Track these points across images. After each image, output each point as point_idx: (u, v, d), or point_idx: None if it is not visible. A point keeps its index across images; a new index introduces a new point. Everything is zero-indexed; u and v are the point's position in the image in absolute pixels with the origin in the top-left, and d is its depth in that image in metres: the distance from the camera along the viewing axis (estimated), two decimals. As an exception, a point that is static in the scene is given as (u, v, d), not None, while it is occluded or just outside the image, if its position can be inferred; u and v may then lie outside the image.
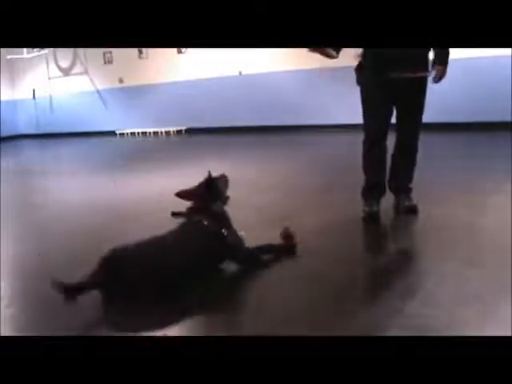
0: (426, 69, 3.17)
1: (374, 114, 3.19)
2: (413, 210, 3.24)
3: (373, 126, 3.22)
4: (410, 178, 3.36)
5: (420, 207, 3.26)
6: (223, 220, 2.56)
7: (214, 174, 2.67)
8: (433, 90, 3.25)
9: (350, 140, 3.13)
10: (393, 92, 3.14)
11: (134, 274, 2.22)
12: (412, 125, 3.27)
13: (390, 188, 3.39)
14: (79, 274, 2.30)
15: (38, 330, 2.03)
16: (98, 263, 2.25)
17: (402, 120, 3.25)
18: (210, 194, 2.60)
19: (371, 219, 3.17)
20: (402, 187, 3.36)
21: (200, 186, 2.64)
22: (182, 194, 2.63)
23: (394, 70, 3.04)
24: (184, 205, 2.66)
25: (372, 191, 3.28)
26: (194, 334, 1.97)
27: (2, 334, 1.99)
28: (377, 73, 3.11)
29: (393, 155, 3.37)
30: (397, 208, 3.34)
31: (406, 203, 3.29)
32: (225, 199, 2.70)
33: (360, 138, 3.27)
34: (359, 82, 3.25)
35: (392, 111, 3.22)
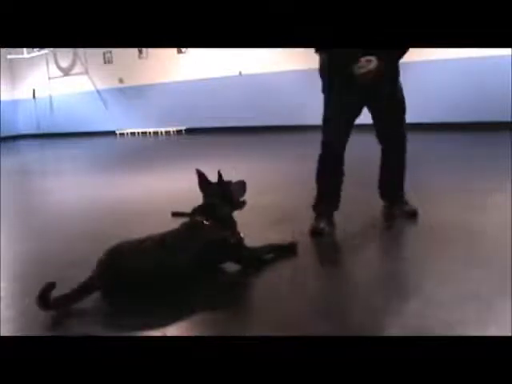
0: (393, 68, 3.01)
1: (339, 125, 3.02)
2: (413, 214, 3.19)
3: (336, 137, 3.05)
4: (402, 184, 3.28)
5: (420, 207, 3.26)
6: (226, 222, 2.55)
7: (228, 178, 2.66)
8: (433, 90, 3.24)
9: (351, 140, 3.12)
10: (363, 98, 2.99)
11: (132, 273, 2.22)
12: (394, 129, 3.16)
13: (381, 196, 3.35)
14: (79, 274, 2.30)
15: (37, 330, 2.03)
16: (96, 264, 2.25)
17: (382, 126, 3.14)
18: (220, 194, 2.60)
19: (316, 235, 2.96)
20: (396, 194, 3.30)
21: (215, 184, 2.65)
22: (202, 179, 2.64)
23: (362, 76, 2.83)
24: (184, 206, 2.66)
25: (324, 205, 3.12)
26: (194, 333, 1.97)
27: (2, 334, 1.99)
28: (345, 79, 2.90)
29: (381, 164, 3.28)
30: (392, 214, 3.28)
31: (406, 208, 3.22)
32: (239, 204, 2.68)
33: (360, 137, 3.26)
34: (325, 89, 3.08)
35: (354, 122, 3.06)
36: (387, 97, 3.02)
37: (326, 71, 3.04)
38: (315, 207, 3.13)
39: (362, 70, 2.77)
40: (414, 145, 3.25)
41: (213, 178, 2.70)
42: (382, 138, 3.20)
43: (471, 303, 1.98)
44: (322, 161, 3.11)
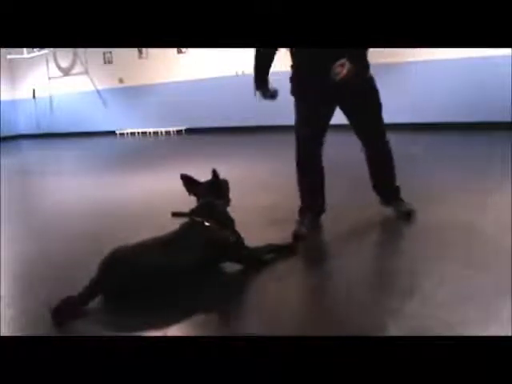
0: (364, 66, 2.95)
1: (312, 125, 3.01)
2: (409, 214, 3.15)
3: (308, 138, 3.03)
4: (392, 180, 3.22)
5: (419, 208, 3.26)
6: (225, 221, 2.56)
7: (228, 177, 2.68)
8: (433, 90, 3.21)
9: (351, 140, 3.12)
10: (334, 98, 2.97)
11: (134, 274, 2.22)
12: (372, 126, 3.09)
13: (377, 194, 3.29)
14: (78, 273, 2.30)
15: (37, 330, 2.03)
16: (98, 265, 2.25)
17: (357, 123, 3.08)
18: (214, 192, 2.62)
19: (298, 240, 2.88)
20: (389, 192, 3.25)
21: (206, 183, 2.66)
22: (189, 182, 2.64)
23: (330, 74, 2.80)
24: (184, 206, 2.66)
25: (307, 208, 3.10)
26: (194, 334, 1.97)
27: (2, 334, 1.99)
28: (314, 79, 2.93)
29: (367, 162, 3.21)
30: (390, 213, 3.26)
31: (402, 209, 3.18)
32: (227, 201, 2.72)
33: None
34: (294, 91, 3.11)
35: (330, 120, 3.04)
36: (359, 93, 2.95)
37: (297, 75, 3.06)
38: (299, 211, 3.12)
39: (340, 76, 2.75)
40: (414, 145, 3.25)
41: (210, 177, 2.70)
42: (359, 136, 3.13)
43: (471, 303, 1.98)
44: (298, 163, 3.09)
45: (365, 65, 2.96)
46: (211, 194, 2.61)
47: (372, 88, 3.02)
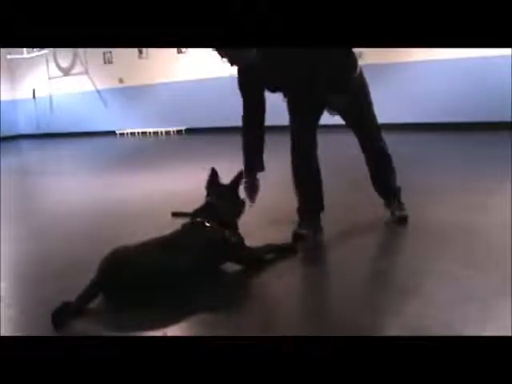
0: (352, 65, 2.81)
1: (303, 124, 3.03)
2: (404, 220, 3.10)
3: (301, 137, 3.05)
4: (389, 182, 3.16)
5: (419, 207, 3.26)
6: (227, 222, 2.55)
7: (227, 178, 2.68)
8: (433, 90, 3.20)
9: (351, 139, 3.12)
10: (322, 99, 2.91)
11: (134, 275, 2.22)
12: (365, 125, 3.02)
13: (378, 194, 3.24)
14: (78, 273, 2.29)
15: (37, 330, 2.03)
16: (98, 266, 2.25)
17: (353, 124, 3.03)
18: (228, 197, 2.62)
19: (298, 240, 2.88)
20: (388, 191, 3.19)
21: (226, 186, 2.66)
22: (213, 179, 2.65)
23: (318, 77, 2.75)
24: (184, 206, 2.66)
25: (305, 208, 3.08)
26: (194, 333, 1.97)
27: (2, 334, 1.99)
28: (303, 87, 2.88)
29: (366, 164, 3.16)
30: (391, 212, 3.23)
31: (397, 213, 3.13)
32: (238, 212, 2.69)
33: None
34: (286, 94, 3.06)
35: (320, 116, 3.03)
36: (349, 92, 2.84)
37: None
38: (298, 210, 3.11)
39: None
40: (414, 145, 3.24)
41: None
42: (355, 135, 3.08)
43: (471, 303, 1.98)
44: (294, 162, 3.10)
45: (352, 64, 2.83)
46: (224, 197, 2.61)
47: (361, 86, 2.93)
